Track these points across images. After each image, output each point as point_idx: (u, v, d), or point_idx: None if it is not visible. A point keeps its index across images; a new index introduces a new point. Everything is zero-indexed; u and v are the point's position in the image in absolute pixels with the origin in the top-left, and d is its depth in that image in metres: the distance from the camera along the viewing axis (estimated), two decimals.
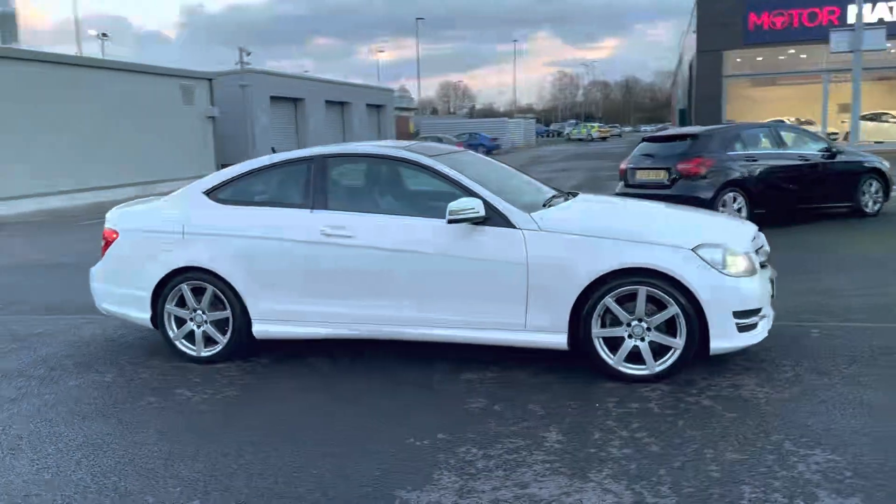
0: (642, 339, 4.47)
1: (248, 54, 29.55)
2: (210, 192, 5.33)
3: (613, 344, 4.52)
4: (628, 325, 4.47)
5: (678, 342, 4.40)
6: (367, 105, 43.73)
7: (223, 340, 5.18)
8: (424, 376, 4.76)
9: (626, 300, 4.45)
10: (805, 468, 3.31)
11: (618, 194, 11.12)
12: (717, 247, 4.45)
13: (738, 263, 4.48)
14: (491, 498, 3.17)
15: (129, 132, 23.41)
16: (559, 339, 4.58)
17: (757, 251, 4.81)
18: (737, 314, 4.39)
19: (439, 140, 40.22)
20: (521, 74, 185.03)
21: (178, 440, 3.91)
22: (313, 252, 4.93)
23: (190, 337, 5.25)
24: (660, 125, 77.98)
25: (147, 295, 5.28)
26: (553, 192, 5.60)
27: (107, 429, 4.11)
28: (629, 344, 4.49)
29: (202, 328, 5.22)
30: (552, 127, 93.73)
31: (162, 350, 5.47)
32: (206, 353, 5.22)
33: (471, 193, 4.75)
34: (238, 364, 5.16)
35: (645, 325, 4.45)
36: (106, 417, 4.28)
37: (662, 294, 4.37)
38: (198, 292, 5.19)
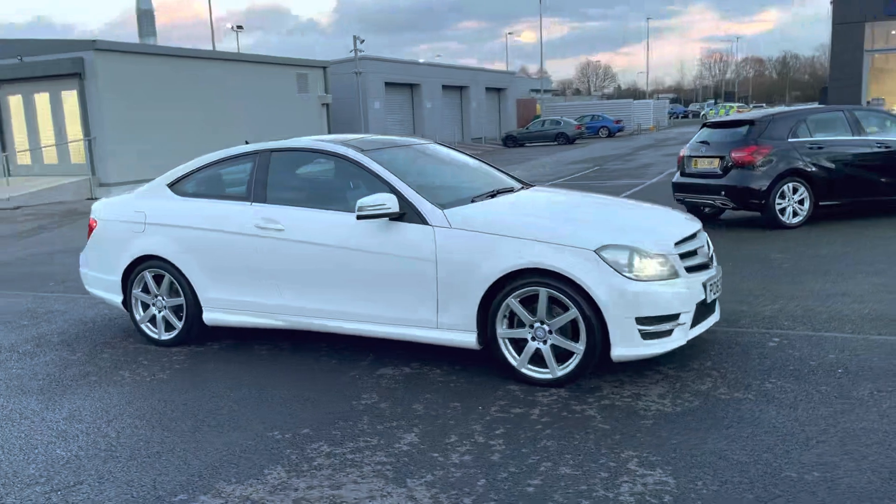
0: (545, 342, 4.32)
1: (362, 41, 30.38)
2: (172, 185, 5.64)
3: (519, 346, 4.40)
4: (531, 326, 4.33)
5: (579, 347, 4.21)
6: (487, 88, 43.73)
7: (179, 326, 5.49)
8: (345, 369, 4.83)
9: (532, 301, 4.31)
10: (627, 489, 3.11)
11: (674, 184, 10.60)
12: (624, 249, 4.20)
13: (648, 266, 4.21)
14: (297, 496, 3.21)
15: (248, 121, 24.78)
16: (470, 339, 4.50)
17: (692, 252, 4.50)
18: (641, 320, 4.14)
19: (557, 123, 39.56)
20: (670, 51, 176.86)
21: (79, 418, 4.21)
22: (250, 244, 5.11)
23: (154, 321, 5.61)
24: (811, 104, 72.53)
25: (118, 280, 5.69)
26: (507, 185, 5.46)
27: (31, 404, 4.49)
28: (532, 346, 4.35)
29: (162, 313, 5.55)
30: (691, 107, 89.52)
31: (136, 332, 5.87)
32: (165, 336, 5.55)
33: (391, 189, 4.74)
34: (191, 348, 5.46)
35: (547, 327, 4.29)
36: (41, 393, 4.67)
37: (562, 296, 4.19)
38: (158, 279, 5.53)
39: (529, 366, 4.36)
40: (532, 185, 5.83)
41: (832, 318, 5.32)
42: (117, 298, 5.76)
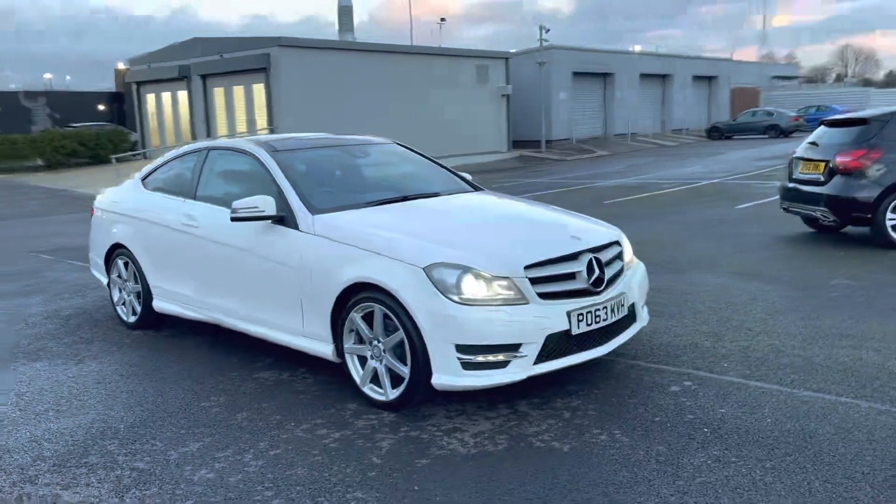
0: (381, 362, 4.07)
1: (547, 31, 29.86)
2: (143, 178, 6.05)
3: (365, 362, 4.18)
4: (371, 344, 4.09)
5: (406, 371, 3.92)
6: (694, 77, 41.06)
7: (139, 311, 5.89)
8: (234, 368, 4.89)
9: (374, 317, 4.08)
10: None
11: (780, 189, 9.31)
12: (456, 268, 3.82)
13: (482, 289, 3.79)
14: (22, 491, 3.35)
15: (425, 112, 25.57)
16: (327, 350, 4.37)
17: (561, 276, 3.97)
18: (462, 348, 3.75)
19: (769, 114, 36.31)
20: None
21: (22, 392, 4.69)
22: (179, 239, 5.34)
23: (125, 304, 6.07)
24: None
25: (102, 263, 6.23)
26: (435, 190, 5.18)
27: None
28: (371, 365, 4.12)
29: (130, 297, 5.99)
30: None
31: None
32: (131, 319, 5.99)
33: (278, 191, 4.70)
34: (146, 333, 5.83)
35: (382, 346, 4.04)
36: (11, 360, 5.26)
37: (393, 315, 3.91)
38: (126, 266, 5.97)
39: (371, 385, 4.14)
40: (480, 190, 5.49)
41: (805, 368, 4.42)
42: (104, 280, 6.31)
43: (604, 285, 4.14)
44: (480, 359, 3.77)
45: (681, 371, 4.45)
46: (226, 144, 5.46)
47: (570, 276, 4.04)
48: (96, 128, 30.09)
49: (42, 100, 48.82)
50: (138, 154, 26.51)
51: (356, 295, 4.09)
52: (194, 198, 5.37)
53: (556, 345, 3.91)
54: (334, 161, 5.33)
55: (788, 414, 3.75)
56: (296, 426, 3.91)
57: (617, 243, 4.49)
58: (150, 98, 26.93)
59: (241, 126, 23.48)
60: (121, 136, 28.17)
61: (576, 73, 32.85)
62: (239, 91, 23.45)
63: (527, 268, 3.90)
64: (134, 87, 27.38)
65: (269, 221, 4.61)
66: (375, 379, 4.12)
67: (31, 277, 8.40)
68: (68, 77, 78.20)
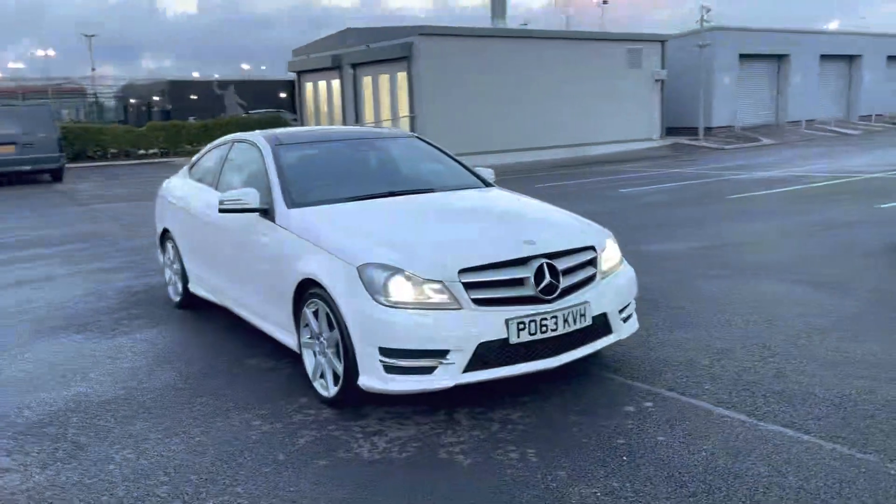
0: (325, 357, 4.10)
1: (708, 11, 28.01)
2: (190, 168, 6.44)
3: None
4: (318, 339, 4.13)
5: (340, 368, 3.92)
6: (889, 57, 36.82)
7: (181, 292, 6.31)
8: (228, 354, 5.11)
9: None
10: None
11: None
12: (385, 269, 3.76)
13: (411, 292, 3.71)
14: None
15: (571, 98, 24.98)
16: (292, 342, 4.47)
17: (504, 282, 3.80)
18: (385, 351, 3.69)
19: None
20: None
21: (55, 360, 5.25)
22: (202, 226, 5.65)
23: (172, 285, 6.52)
24: None
25: (158, 245, 6.74)
26: (435, 186, 5.12)
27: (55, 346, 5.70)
28: (319, 360, 4.15)
29: (175, 279, 6.43)
30: None
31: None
32: (176, 299, 6.43)
33: (267, 183, 4.85)
34: (186, 312, 6.23)
35: (325, 343, 4.06)
36: (63, 329, 5.85)
37: (331, 313, 3.93)
38: (174, 249, 6.40)
39: (321, 380, 4.18)
40: (491, 187, 5.34)
41: (794, 398, 3.93)
42: (161, 261, 6.82)
43: (557, 293, 3.89)
44: (402, 363, 3.69)
45: (651, 390, 4.09)
46: (244, 137, 5.69)
47: (518, 282, 3.83)
48: (259, 114, 32.22)
49: (231, 88, 53.10)
50: None
51: (307, 290, 4.14)
52: (216, 187, 5.66)
53: (492, 353, 3.74)
54: (336, 155, 5.39)
55: (732, 448, 3.34)
56: (238, 415, 4.04)
57: (590, 248, 4.19)
58: (309, 86, 28.44)
59: (386, 114, 24.21)
60: (280, 122, 30.03)
61: (743, 56, 30.58)
62: (384, 80, 24.16)
63: (463, 272, 3.75)
64: (295, 75, 29.06)
65: (258, 214, 4.76)
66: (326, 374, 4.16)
67: (137, 254, 9.22)
68: (263, 67, 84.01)
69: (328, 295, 3.90)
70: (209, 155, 6.17)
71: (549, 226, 4.38)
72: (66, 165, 21.45)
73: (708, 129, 28.96)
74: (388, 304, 3.70)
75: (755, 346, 4.73)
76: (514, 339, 3.75)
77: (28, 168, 19.46)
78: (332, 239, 4.12)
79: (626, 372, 4.37)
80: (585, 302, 3.99)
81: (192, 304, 6.24)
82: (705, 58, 28.30)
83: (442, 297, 3.72)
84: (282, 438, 3.71)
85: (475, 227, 4.33)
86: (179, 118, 35.05)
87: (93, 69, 65.58)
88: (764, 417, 3.65)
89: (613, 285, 4.25)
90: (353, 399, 3.97)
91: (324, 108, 27.76)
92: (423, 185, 5.12)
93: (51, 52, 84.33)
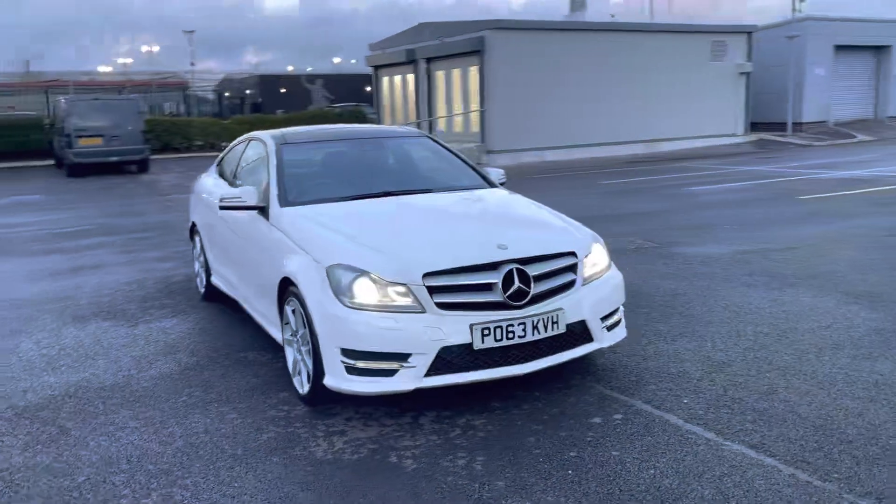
0: (301, 355, 4.17)
1: (802, 0, 26.67)
2: (217, 164, 6.64)
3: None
4: (295, 336, 4.21)
5: (311, 367, 3.98)
6: None
7: (205, 284, 6.53)
8: (241, 346, 5.25)
9: None
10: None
11: None
12: (351, 270, 3.80)
13: (374, 294, 3.73)
14: None
15: (646, 92, 24.32)
16: (279, 336, 4.56)
17: (473, 287, 3.77)
18: (346, 352, 3.73)
19: None
20: None
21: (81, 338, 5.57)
22: (220, 221, 5.83)
23: (199, 277, 6.76)
24: None
25: (189, 237, 7.00)
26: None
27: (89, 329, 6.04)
28: (297, 357, 4.23)
29: (200, 271, 6.66)
30: None
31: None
32: (202, 290, 6.66)
33: (268, 181, 4.96)
34: (210, 304, 6.43)
35: (300, 340, 4.13)
36: (94, 316, 6.18)
37: (302, 311, 3.99)
38: (199, 242, 6.62)
39: (298, 376, 4.25)
40: (494, 187, 5.30)
41: (773, 418, 3.74)
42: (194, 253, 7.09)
43: (527, 299, 3.81)
44: (361, 365, 3.71)
45: (628, 402, 3.96)
46: (257, 135, 5.83)
47: (486, 287, 3.79)
48: (340, 108, 32.86)
49: (319, 82, 54.35)
50: None
51: (287, 287, 4.22)
52: (233, 183, 5.82)
53: (455, 358, 3.71)
54: (340, 155, 5.45)
55: (684, 468, 3.21)
56: (217, 408, 4.17)
57: (570, 254, 4.08)
58: (385, 80, 28.75)
59: (457, 108, 24.22)
60: (359, 115, 30.53)
61: (839, 47, 28.92)
62: (457, 74, 24.16)
63: (427, 275, 3.74)
64: (373, 70, 29.46)
65: (256, 212, 4.88)
66: None
67: (184, 245, 9.57)
68: (353, 60, 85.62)
69: (300, 293, 3.96)
70: (232, 152, 6.35)
71: (529, 230, 4.31)
72: (153, 156, 22.49)
73: (797, 125, 27.60)
74: (352, 305, 3.73)
75: (756, 360, 4.51)
76: (478, 345, 3.71)
77: (115, 159, 20.50)
78: (309, 238, 4.19)
79: (609, 381, 4.25)
80: (559, 309, 3.90)
81: (214, 296, 6.45)
82: (796, 49, 26.97)
83: (406, 301, 3.72)
84: (248, 433, 3.80)
85: (452, 229, 4.30)
86: (269, 111, 36.14)
87: (192, 63, 68.61)
88: (733, 437, 3.48)
89: (596, 292, 4.13)
90: (323, 398, 4.02)
91: (399, 102, 28.03)
92: (421, 185, 5.12)
93: (154, 48, 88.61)
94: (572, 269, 4.08)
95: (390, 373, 3.70)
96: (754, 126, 27.47)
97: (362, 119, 29.95)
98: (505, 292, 3.77)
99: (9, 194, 16.26)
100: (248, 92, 54.99)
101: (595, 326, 4.09)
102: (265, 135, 5.55)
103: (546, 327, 3.85)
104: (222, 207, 4.90)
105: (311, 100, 50.29)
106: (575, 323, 3.98)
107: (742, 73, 26.67)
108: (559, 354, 3.95)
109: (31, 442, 3.80)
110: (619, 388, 4.17)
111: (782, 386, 4.07)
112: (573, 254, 4.11)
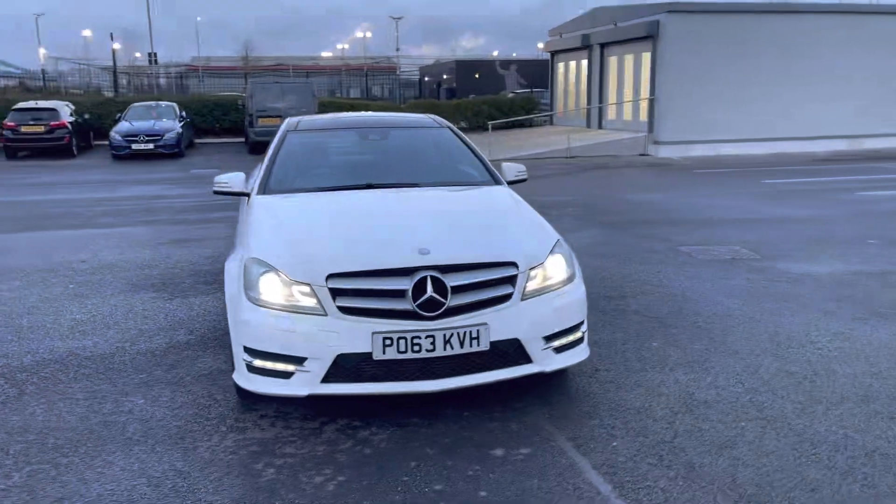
0: None
1: None
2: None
3: None
4: None
5: None
6: None
7: None
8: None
9: None
10: None
11: None
12: (261, 265, 3.69)
13: (276, 292, 3.60)
14: None
15: (847, 81, 21.66)
16: None
17: (382, 292, 3.52)
18: (247, 350, 3.63)
19: None
20: None
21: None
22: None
23: None
24: None
25: None
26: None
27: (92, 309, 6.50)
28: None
29: None
30: None
31: None
32: None
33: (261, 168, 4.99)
34: None
35: None
36: (148, 288, 6.62)
37: None
38: None
39: None
40: (500, 185, 4.93)
41: (686, 464, 3.13)
42: None
43: (441, 310, 3.48)
44: (258, 364, 3.60)
45: (550, 436, 3.50)
46: (287, 120, 5.83)
47: (397, 294, 3.50)
48: (514, 94, 32.57)
49: (513, 67, 54.48)
50: (544, 118, 28.16)
51: None
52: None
53: (355, 367, 3.48)
54: (340, 144, 5.33)
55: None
56: (168, 389, 4.22)
57: (510, 265, 3.66)
58: (560, 66, 28.06)
59: (628, 95, 23.07)
60: (531, 102, 30.07)
61: None
62: (629, 60, 22.98)
63: (331, 276, 3.52)
64: (549, 55, 28.88)
65: (246, 198, 4.91)
66: None
67: None
68: (540, 45, 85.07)
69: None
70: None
71: (472, 235, 3.92)
72: None
73: None
74: (256, 302, 3.61)
75: (746, 405, 3.80)
76: (378, 355, 3.44)
77: None
78: (255, 230, 4.12)
79: (555, 408, 3.79)
80: (482, 324, 3.52)
81: None
82: None
83: (310, 302, 3.53)
84: (164, 419, 3.82)
85: (387, 227, 4.02)
86: (462, 96, 36.77)
87: (397, 49, 71.73)
88: (629, 494, 2.94)
89: (542, 307, 3.68)
90: (245, 393, 3.93)
91: (571, 89, 27.31)
92: (410, 179, 4.84)
93: (368, 34, 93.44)
94: (510, 281, 3.65)
95: (286, 375, 3.55)
96: None
97: (535, 106, 29.42)
98: (415, 301, 3.46)
99: (196, 167, 17.70)
100: (444, 77, 56.38)
101: (534, 347, 3.65)
102: (285, 122, 5.57)
103: (462, 343, 3.49)
104: (215, 192, 4.97)
105: (504, 85, 50.48)
106: (504, 341, 3.57)
107: None
108: (482, 374, 3.57)
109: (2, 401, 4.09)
110: (559, 417, 3.69)
111: (745, 440, 3.38)
112: (513, 264, 3.67)
